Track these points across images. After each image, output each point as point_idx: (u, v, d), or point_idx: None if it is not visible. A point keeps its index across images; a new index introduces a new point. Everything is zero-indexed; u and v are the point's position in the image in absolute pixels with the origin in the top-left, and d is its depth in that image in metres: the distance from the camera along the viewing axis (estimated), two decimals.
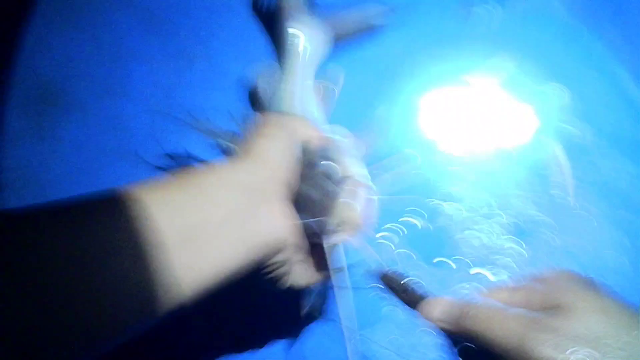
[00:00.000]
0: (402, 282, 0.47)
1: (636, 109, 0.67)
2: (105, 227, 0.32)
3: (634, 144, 0.65)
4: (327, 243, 0.45)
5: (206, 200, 0.38)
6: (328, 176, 0.46)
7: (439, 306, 0.43)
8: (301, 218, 0.45)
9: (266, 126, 0.46)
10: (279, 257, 0.44)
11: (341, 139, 0.51)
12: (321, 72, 0.67)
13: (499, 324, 0.37)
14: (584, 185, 0.64)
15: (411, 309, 0.46)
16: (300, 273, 0.48)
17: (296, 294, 0.51)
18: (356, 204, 0.46)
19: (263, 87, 0.69)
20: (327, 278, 0.50)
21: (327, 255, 0.46)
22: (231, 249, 0.38)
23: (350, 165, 0.47)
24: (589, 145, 0.66)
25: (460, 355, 0.43)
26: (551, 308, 0.37)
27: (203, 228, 0.36)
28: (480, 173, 0.66)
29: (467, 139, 0.68)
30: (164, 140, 0.71)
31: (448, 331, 0.42)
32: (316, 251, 0.47)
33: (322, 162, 0.47)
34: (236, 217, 0.39)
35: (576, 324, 0.35)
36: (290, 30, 0.69)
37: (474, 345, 0.40)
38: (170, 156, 0.70)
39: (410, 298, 0.46)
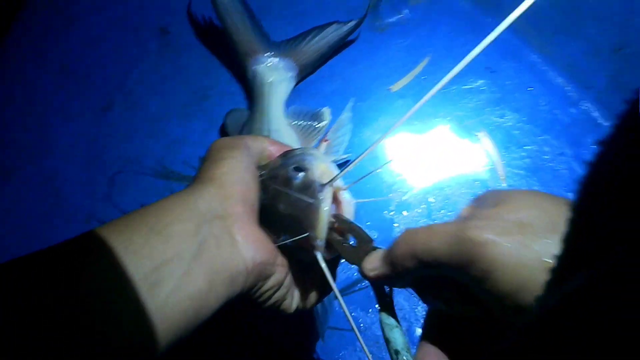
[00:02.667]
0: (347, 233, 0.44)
1: (552, 90, 0.71)
2: (69, 281, 0.31)
3: (553, 123, 0.69)
4: (320, 257, 0.42)
5: (171, 237, 0.35)
6: (304, 188, 0.43)
7: (377, 255, 0.41)
8: (285, 238, 0.43)
9: (218, 150, 0.44)
10: (270, 282, 0.42)
11: (308, 148, 0.49)
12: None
13: (436, 231, 0.35)
14: (513, 167, 0.68)
15: (354, 264, 0.43)
16: (301, 294, 0.46)
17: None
18: (340, 211, 0.44)
19: (232, 126, 0.70)
20: (328, 292, 0.49)
21: (324, 270, 0.43)
22: (208, 283, 0.36)
23: (325, 173, 0.44)
24: (515, 130, 0.70)
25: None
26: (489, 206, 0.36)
27: (173, 266, 0.34)
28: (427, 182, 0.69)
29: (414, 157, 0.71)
30: (98, 191, 0.71)
31: (392, 276, 0.39)
32: (311, 269, 0.45)
33: (296, 175, 0.44)
34: (208, 249, 0.37)
35: (513, 211, 0.33)
36: (255, 69, 0.71)
37: (422, 274, 0.37)
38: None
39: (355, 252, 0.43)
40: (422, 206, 0.68)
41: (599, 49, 0.71)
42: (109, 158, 0.74)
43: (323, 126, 0.66)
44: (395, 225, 0.66)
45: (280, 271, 0.43)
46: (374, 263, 0.40)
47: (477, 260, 0.32)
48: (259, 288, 0.42)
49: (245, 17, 0.73)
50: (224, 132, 0.73)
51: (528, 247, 0.31)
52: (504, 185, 0.67)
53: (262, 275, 0.41)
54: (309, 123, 0.67)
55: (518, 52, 0.74)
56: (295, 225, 0.42)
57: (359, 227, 0.43)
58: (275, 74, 0.71)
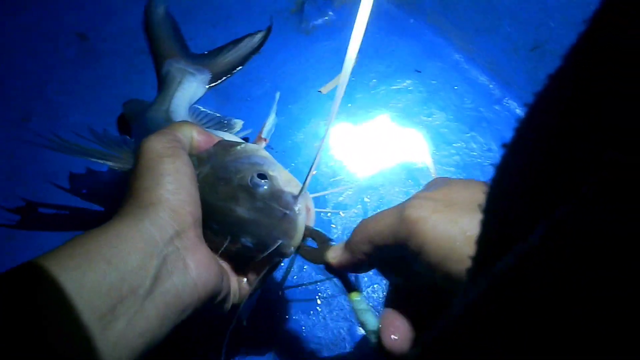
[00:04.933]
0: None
1: (476, 88, 0.74)
2: (17, 320, 0.30)
3: (479, 120, 0.72)
4: (275, 255, 0.45)
5: (127, 273, 0.35)
6: (275, 198, 0.44)
7: (338, 246, 0.44)
8: (245, 242, 0.44)
9: (157, 159, 0.42)
10: (217, 300, 0.43)
11: (257, 149, 0.49)
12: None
13: (384, 215, 0.39)
14: (444, 165, 0.70)
15: (317, 263, 0.46)
16: (241, 291, 0.47)
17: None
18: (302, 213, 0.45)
19: (132, 115, 0.69)
20: (261, 285, 0.49)
21: (269, 266, 0.46)
22: (160, 319, 0.36)
23: (289, 181, 0.46)
24: (443, 128, 0.72)
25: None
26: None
27: (128, 304, 0.34)
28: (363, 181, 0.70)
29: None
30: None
31: (354, 261, 0.42)
32: (247, 263, 0.46)
33: (260, 182, 0.44)
34: (161, 284, 0.36)
35: (447, 193, 0.37)
36: (169, 69, 0.71)
37: (376, 260, 0.42)
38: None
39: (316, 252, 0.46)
40: (358, 206, 0.68)
41: (518, 48, 0.75)
42: (30, 172, 0.70)
43: (230, 131, 0.67)
44: (333, 226, 0.67)
45: (227, 285, 0.44)
46: (336, 252, 0.43)
47: (412, 236, 0.36)
48: (207, 307, 0.42)
49: (169, 25, 0.76)
50: (123, 121, 0.71)
51: (454, 222, 0.35)
52: None
53: (213, 296, 0.42)
54: (214, 125, 0.67)
55: (442, 52, 0.76)
56: (261, 231, 0.43)
57: (319, 231, 0.46)
58: (187, 76, 0.71)
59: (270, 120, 0.62)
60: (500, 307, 0.19)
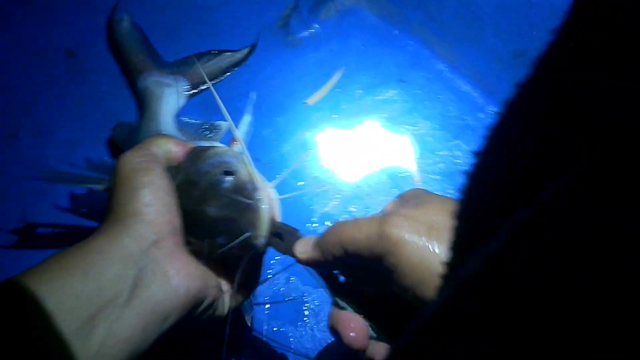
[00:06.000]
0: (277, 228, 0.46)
1: (460, 97, 0.74)
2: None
3: (463, 128, 0.72)
4: (255, 253, 0.45)
5: (105, 283, 0.36)
6: (238, 191, 0.44)
7: (308, 241, 0.44)
8: (221, 241, 0.44)
9: (132, 175, 0.43)
10: (204, 305, 0.43)
11: (222, 148, 0.50)
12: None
13: (361, 225, 0.39)
14: (429, 173, 0.70)
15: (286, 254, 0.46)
16: (232, 295, 0.47)
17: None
18: (272, 207, 0.46)
19: (121, 138, 0.69)
20: (257, 285, 0.51)
21: (256, 264, 0.47)
22: (142, 326, 0.37)
23: (251, 173, 0.46)
24: (428, 137, 0.72)
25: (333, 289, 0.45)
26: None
27: (108, 313, 0.35)
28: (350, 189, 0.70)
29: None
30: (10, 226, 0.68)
31: (321, 261, 0.42)
32: (237, 266, 0.46)
33: (224, 179, 0.45)
34: (140, 292, 0.37)
35: (428, 214, 0.37)
36: (145, 84, 0.71)
37: (346, 263, 0.42)
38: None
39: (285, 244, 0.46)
40: (344, 216, 0.69)
41: (500, 57, 0.75)
42: (19, 189, 0.70)
43: (217, 137, 0.67)
44: None
45: (213, 291, 0.44)
46: (305, 247, 0.44)
47: (390, 255, 0.36)
48: (194, 313, 0.42)
49: (138, 37, 0.75)
50: (113, 145, 0.72)
51: (432, 249, 0.35)
52: None
53: (197, 303, 0.42)
54: (202, 133, 0.68)
55: (426, 62, 0.77)
56: (233, 227, 0.43)
57: (283, 223, 0.46)
58: (166, 89, 0.71)
59: (245, 121, 0.61)
60: (466, 310, 0.19)
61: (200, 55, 0.75)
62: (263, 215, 0.43)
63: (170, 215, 0.42)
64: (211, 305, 0.44)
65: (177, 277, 0.40)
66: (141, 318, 0.37)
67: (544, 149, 0.19)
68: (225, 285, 0.47)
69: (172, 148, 0.47)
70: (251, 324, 0.60)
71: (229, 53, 0.76)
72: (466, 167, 0.24)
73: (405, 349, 0.22)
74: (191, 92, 0.74)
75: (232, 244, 0.43)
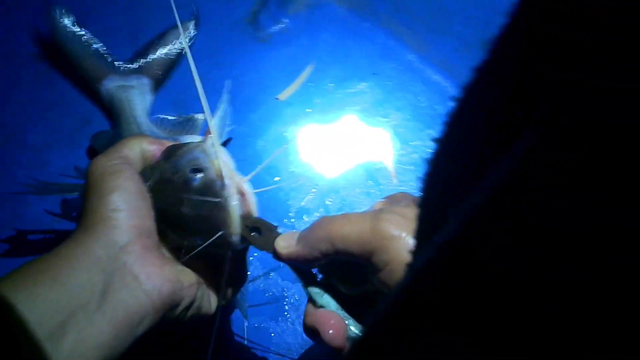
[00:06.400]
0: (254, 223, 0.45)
1: (430, 87, 0.75)
2: None
3: (434, 117, 0.73)
4: (233, 251, 0.44)
5: (74, 288, 0.36)
6: (206, 189, 0.43)
7: (291, 235, 0.43)
8: (196, 241, 0.43)
9: (100, 179, 0.42)
10: (182, 306, 0.43)
11: (195, 144, 0.49)
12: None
13: (352, 220, 0.38)
14: (403, 164, 0.71)
15: (265, 250, 0.45)
16: (219, 292, 0.47)
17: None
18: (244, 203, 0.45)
19: (102, 147, 0.68)
20: (245, 280, 0.50)
21: (241, 260, 0.46)
22: (114, 331, 0.37)
23: (222, 167, 0.45)
24: (401, 128, 0.73)
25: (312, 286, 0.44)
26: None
27: (78, 318, 0.35)
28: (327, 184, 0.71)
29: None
30: None
31: (306, 257, 0.42)
32: (222, 263, 0.46)
33: (194, 177, 0.44)
34: (111, 297, 0.37)
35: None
36: (108, 90, 0.70)
37: (334, 259, 0.41)
38: None
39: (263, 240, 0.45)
40: (320, 210, 0.69)
41: (469, 45, 0.76)
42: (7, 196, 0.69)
43: (195, 130, 0.66)
44: None
45: (190, 291, 0.43)
46: (287, 242, 0.42)
47: (382, 252, 0.36)
48: (172, 315, 0.42)
49: (86, 43, 0.72)
50: (95, 154, 0.70)
51: None
52: (395, 181, 0.70)
53: (172, 305, 0.42)
54: (180, 127, 0.67)
55: (396, 53, 0.77)
56: (206, 226, 0.43)
57: (261, 219, 0.45)
58: (130, 91, 0.69)
59: (220, 112, 0.60)
60: (424, 299, 0.19)
61: (149, 45, 0.73)
62: (233, 212, 0.42)
63: (139, 219, 0.42)
64: (191, 305, 0.44)
65: (147, 281, 0.40)
66: (113, 323, 0.37)
67: (502, 134, 0.19)
68: (208, 284, 0.47)
69: (147, 147, 0.47)
70: (246, 317, 0.60)
71: (170, 31, 0.73)
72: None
73: (373, 327, 0.22)
74: (156, 87, 0.72)
75: (205, 243, 0.43)
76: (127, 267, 0.39)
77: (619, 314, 0.14)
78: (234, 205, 0.43)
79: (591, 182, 0.13)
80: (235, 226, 0.43)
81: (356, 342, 0.23)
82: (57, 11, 0.71)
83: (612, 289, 0.14)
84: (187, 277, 0.44)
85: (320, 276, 0.46)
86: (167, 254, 0.46)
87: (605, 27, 0.13)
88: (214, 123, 0.56)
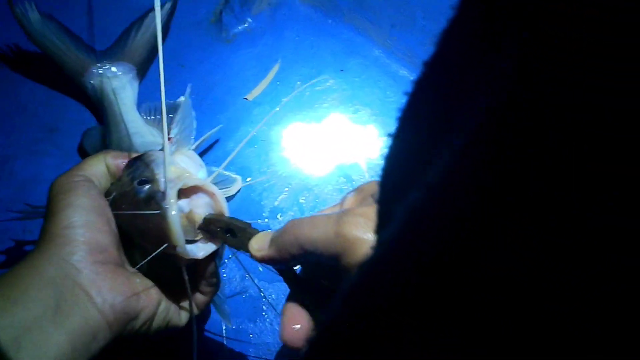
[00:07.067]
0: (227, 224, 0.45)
1: (397, 81, 0.76)
2: None
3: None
4: (194, 259, 0.44)
5: (27, 305, 0.37)
6: (148, 201, 0.43)
7: (264, 238, 0.43)
8: (152, 250, 0.43)
9: (55, 197, 0.43)
10: (141, 319, 0.43)
11: (150, 154, 0.48)
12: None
13: (318, 223, 0.38)
14: (374, 159, 0.71)
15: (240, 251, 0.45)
16: (190, 301, 0.47)
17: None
18: (215, 203, 0.45)
19: (91, 145, 0.67)
20: (217, 287, 0.50)
21: (210, 268, 0.45)
22: (70, 345, 0.37)
23: (174, 173, 0.44)
24: (370, 123, 0.73)
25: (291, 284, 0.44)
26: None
27: (33, 334, 0.36)
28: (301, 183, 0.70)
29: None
30: None
31: (277, 260, 0.42)
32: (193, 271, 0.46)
33: (141, 189, 0.44)
34: (64, 313, 0.38)
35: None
36: (93, 84, 0.68)
37: (302, 261, 0.41)
38: None
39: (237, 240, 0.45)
40: (294, 208, 0.69)
41: (433, 38, 0.76)
42: None
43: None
44: None
45: (149, 304, 0.44)
46: (260, 245, 0.42)
47: (347, 254, 0.36)
48: (132, 328, 0.43)
49: (62, 36, 0.69)
50: (84, 154, 0.69)
51: None
52: (367, 177, 0.70)
53: (128, 318, 0.42)
54: (167, 116, 0.66)
55: (362, 49, 0.77)
56: (155, 239, 0.42)
57: (233, 218, 0.45)
58: (115, 81, 0.67)
59: (177, 117, 0.57)
60: (381, 296, 0.19)
61: (128, 31, 0.70)
62: (171, 223, 0.41)
63: (92, 234, 0.42)
64: (153, 317, 0.44)
65: (99, 296, 0.40)
66: (69, 338, 0.37)
67: (448, 127, 0.18)
68: (176, 296, 0.47)
69: (110, 162, 0.48)
70: (229, 322, 0.59)
71: (150, 14, 0.71)
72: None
73: (329, 324, 0.22)
74: (141, 73, 0.70)
75: (150, 257, 0.43)
76: (78, 283, 0.40)
77: (619, 314, 0.14)
78: (172, 215, 0.41)
79: (591, 182, 0.13)
80: (177, 238, 0.42)
81: (311, 341, 0.23)
82: (20, 8, 0.67)
83: (612, 289, 0.14)
84: (146, 291, 0.44)
85: (299, 269, 0.46)
86: (130, 268, 0.46)
87: (605, 27, 0.13)
88: (169, 130, 0.54)
